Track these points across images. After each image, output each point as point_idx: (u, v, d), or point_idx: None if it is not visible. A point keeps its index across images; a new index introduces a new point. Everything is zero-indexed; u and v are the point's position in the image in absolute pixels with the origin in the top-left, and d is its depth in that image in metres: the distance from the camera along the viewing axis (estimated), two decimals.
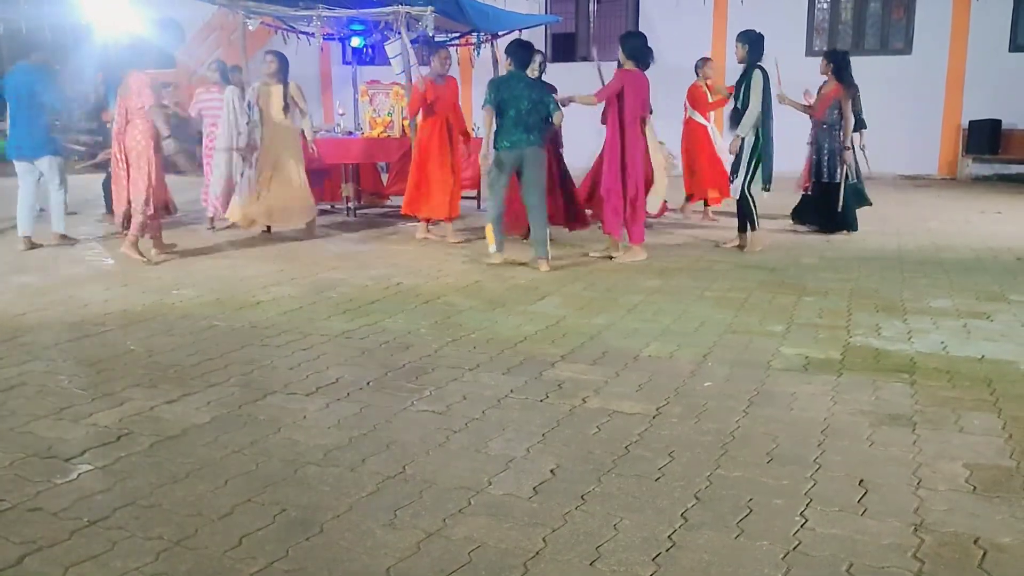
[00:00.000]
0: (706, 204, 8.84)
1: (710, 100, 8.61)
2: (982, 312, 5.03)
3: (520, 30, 9.98)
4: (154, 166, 6.45)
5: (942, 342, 4.42)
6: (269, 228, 7.80)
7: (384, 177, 9.77)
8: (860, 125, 8.29)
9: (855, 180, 7.93)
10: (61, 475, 2.87)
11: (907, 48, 13.07)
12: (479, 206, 9.34)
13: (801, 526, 2.51)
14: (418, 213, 7.59)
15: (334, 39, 10.31)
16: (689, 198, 8.86)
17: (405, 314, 5.05)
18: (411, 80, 7.92)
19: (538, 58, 7.46)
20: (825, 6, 13.53)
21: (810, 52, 12.78)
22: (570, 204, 7.53)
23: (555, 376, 3.90)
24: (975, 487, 2.76)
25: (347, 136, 9.23)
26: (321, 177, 8.82)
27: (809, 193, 8.06)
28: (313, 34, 8.84)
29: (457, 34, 10.22)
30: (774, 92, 7.06)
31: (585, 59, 14.51)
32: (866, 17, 13.43)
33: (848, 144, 7.72)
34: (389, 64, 8.37)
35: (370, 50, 10.58)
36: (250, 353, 4.27)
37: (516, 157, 6.19)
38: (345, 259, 6.84)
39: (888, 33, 13.33)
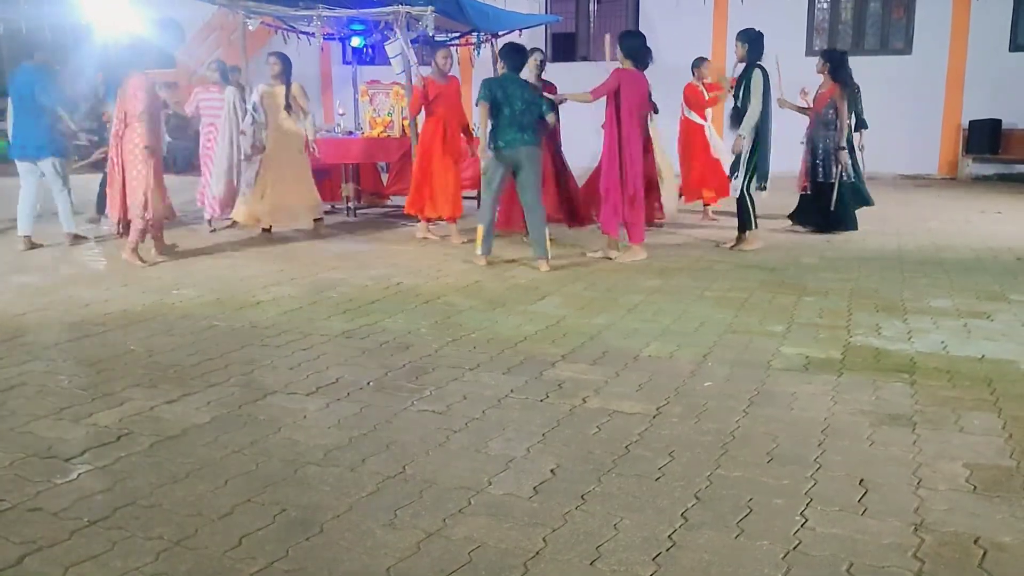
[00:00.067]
0: (706, 204, 8.84)
1: (707, 98, 8.60)
2: (982, 312, 5.03)
3: (520, 30, 9.99)
4: (152, 170, 6.43)
5: (942, 342, 4.42)
6: (269, 228, 7.80)
7: (384, 177, 9.77)
8: (861, 125, 8.29)
9: (853, 179, 7.92)
10: (61, 475, 2.87)
11: (907, 48, 13.07)
12: (479, 206, 9.33)
13: (801, 526, 2.51)
14: (421, 213, 7.59)
15: (334, 39, 10.30)
16: (680, 198, 8.85)
17: (405, 314, 5.05)
18: (411, 80, 7.93)
19: (538, 56, 7.48)
20: (825, 6, 13.53)
21: (810, 52, 12.76)
22: (570, 201, 7.54)
23: (555, 376, 3.90)
24: (975, 487, 2.76)
25: (347, 136, 9.23)
26: (321, 177, 8.81)
27: (807, 193, 8.06)
28: (313, 34, 8.83)
29: (457, 34, 10.21)
30: (774, 95, 7.07)
31: (585, 59, 14.52)
32: (866, 17, 13.43)
33: (844, 144, 7.72)
34: (389, 64, 8.37)
35: (370, 50, 10.57)
36: (250, 353, 4.27)
37: (512, 156, 6.20)
38: (345, 259, 6.84)
39: (888, 33, 13.33)
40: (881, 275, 6.09)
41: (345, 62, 11.49)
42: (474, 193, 9.33)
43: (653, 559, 2.33)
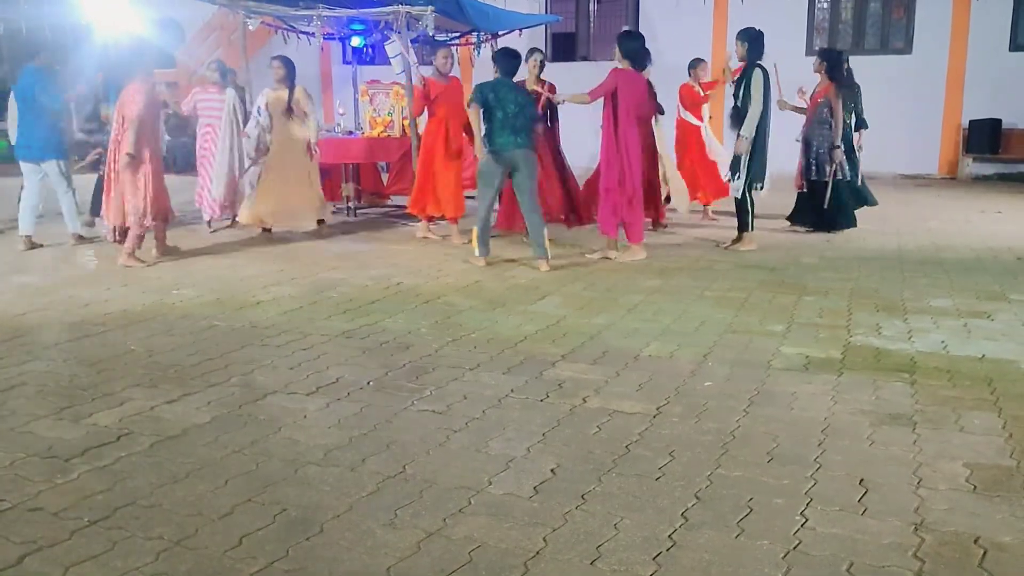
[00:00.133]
0: (705, 204, 8.83)
1: (702, 95, 8.59)
2: (982, 311, 5.03)
3: (520, 30, 9.99)
4: (151, 175, 6.42)
5: (942, 341, 4.42)
6: (270, 228, 7.80)
7: (384, 177, 9.77)
8: (861, 125, 8.29)
9: (850, 178, 7.91)
10: (61, 475, 2.87)
11: (907, 48, 13.07)
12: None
13: (801, 525, 2.51)
14: (423, 213, 7.60)
15: (334, 39, 10.30)
16: (668, 199, 8.84)
17: (405, 314, 5.05)
18: (411, 80, 7.93)
19: (538, 57, 7.48)
20: (825, 5, 13.53)
21: (810, 51, 12.75)
22: (571, 201, 7.54)
23: (555, 376, 3.90)
24: (975, 486, 2.76)
25: (347, 136, 9.23)
26: (321, 177, 8.80)
27: (804, 191, 8.06)
28: (313, 34, 8.83)
29: (457, 34, 10.21)
30: (774, 99, 7.07)
31: (585, 59, 14.52)
32: (866, 17, 13.43)
33: (838, 143, 7.72)
34: (389, 64, 8.37)
35: (370, 50, 10.58)
36: (250, 353, 4.27)
37: (507, 159, 6.21)
38: (345, 259, 6.84)
39: (888, 33, 13.33)
40: (881, 275, 6.09)
41: (345, 62, 11.50)
42: (474, 193, 9.35)
43: (653, 559, 2.33)
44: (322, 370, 4.00)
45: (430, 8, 7.88)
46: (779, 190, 7.82)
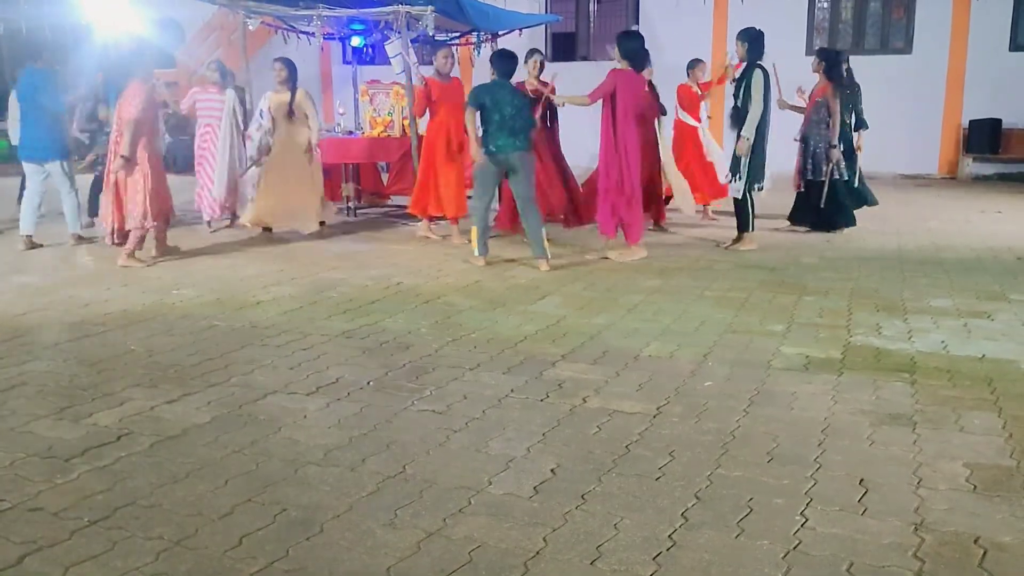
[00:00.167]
0: (704, 204, 8.83)
1: (700, 95, 8.59)
2: (982, 311, 5.03)
3: (520, 29, 9.98)
4: (151, 176, 6.41)
5: (942, 341, 4.42)
6: (270, 228, 7.80)
7: (384, 177, 9.77)
8: (861, 125, 8.29)
9: (847, 178, 7.91)
10: (61, 475, 2.87)
11: (907, 47, 13.06)
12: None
13: (801, 525, 2.51)
14: (424, 213, 7.60)
15: (334, 39, 10.30)
16: (669, 199, 8.84)
17: (405, 314, 5.05)
18: (411, 80, 7.93)
19: (538, 58, 7.48)
20: (825, 5, 13.52)
21: (810, 51, 12.73)
22: (571, 201, 7.54)
23: (555, 376, 3.90)
24: (975, 486, 2.76)
25: (347, 136, 9.23)
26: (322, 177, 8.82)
27: (802, 191, 8.06)
28: (313, 34, 8.83)
29: (457, 34, 10.21)
30: (774, 99, 7.06)
31: (585, 59, 14.52)
32: (866, 16, 13.43)
33: (836, 142, 7.71)
34: (389, 64, 8.37)
35: (370, 50, 10.58)
36: (250, 353, 4.27)
37: (504, 161, 6.22)
38: (345, 259, 6.84)
39: (888, 32, 13.32)
40: (881, 275, 6.09)
41: (345, 62, 11.49)
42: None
43: (653, 559, 2.33)
44: (322, 370, 4.00)
45: (430, 8, 7.88)
46: (779, 190, 7.83)
